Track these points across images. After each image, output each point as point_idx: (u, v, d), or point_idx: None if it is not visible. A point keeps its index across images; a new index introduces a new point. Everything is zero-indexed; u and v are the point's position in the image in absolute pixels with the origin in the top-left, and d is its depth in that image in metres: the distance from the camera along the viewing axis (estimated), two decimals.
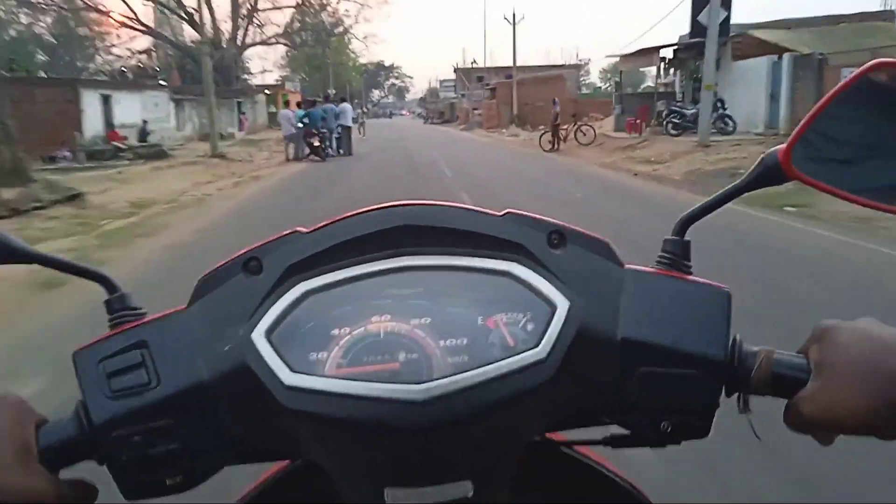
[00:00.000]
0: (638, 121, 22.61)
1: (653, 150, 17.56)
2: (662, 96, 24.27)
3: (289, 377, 0.52)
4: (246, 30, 55.95)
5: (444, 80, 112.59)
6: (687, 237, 0.63)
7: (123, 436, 0.54)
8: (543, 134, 22.82)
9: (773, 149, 0.60)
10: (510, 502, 0.60)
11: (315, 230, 0.59)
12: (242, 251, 0.59)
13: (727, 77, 19.65)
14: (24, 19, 44.11)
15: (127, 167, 17.71)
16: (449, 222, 0.58)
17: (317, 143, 19.18)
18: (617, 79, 32.34)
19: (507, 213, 0.60)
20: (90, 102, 22.89)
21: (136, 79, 40.37)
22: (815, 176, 0.59)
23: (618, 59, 29.73)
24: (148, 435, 0.54)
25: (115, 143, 21.86)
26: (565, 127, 22.57)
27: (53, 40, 51.97)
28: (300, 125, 19.25)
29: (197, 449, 0.56)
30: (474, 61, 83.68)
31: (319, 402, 0.51)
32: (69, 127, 21.15)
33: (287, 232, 0.59)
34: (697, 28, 17.03)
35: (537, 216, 0.60)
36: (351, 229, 0.58)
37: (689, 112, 19.54)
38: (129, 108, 25.26)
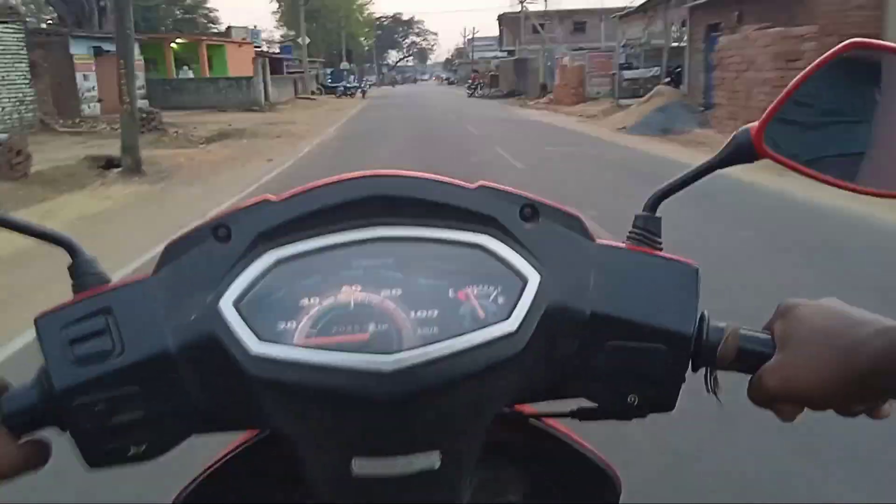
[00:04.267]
0: None
1: None
2: None
3: (256, 346, 0.51)
4: None
5: (479, 38, 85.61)
6: (658, 214, 0.64)
7: (86, 403, 0.53)
8: None
9: (745, 126, 0.60)
10: (478, 473, 0.61)
11: (285, 199, 0.57)
12: (210, 218, 0.58)
13: None
14: None
15: None
16: (421, 194, 0.57)
17: None
18: None
19: (480, 185, 0.59)
20: None
21: None
22: (787, 154, 0.59)
23: None
24: (111, 403, 0.53)
25: None
26: None
27: None
28: None
29: (162, 417, 0.55)
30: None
31: (287, 371, 0.51)
32: None
33: (256, 200, 0.58)
34: None
35: (510, 189, 0.60)
36: (322, 198, 0.57)
37: None
38: None
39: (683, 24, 19.95)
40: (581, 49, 31.72)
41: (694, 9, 17.88)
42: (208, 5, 54.67)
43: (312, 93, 41.99)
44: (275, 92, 32.04)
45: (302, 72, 46.80)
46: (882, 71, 0.57)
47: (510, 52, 56.02)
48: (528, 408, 0.70)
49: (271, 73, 37.87)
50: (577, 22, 58.32)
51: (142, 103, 30.01)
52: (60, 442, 0.55)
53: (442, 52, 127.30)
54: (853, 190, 0.59)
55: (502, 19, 61.85)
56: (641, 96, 20.04)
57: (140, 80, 29.44)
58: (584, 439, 0.71)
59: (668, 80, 19.12)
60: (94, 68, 24.99)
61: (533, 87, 34.52)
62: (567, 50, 31.55)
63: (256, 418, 0.58)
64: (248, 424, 0.64)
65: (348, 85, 46.75)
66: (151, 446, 0.55)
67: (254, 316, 0.52)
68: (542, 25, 54.34)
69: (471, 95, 42.96)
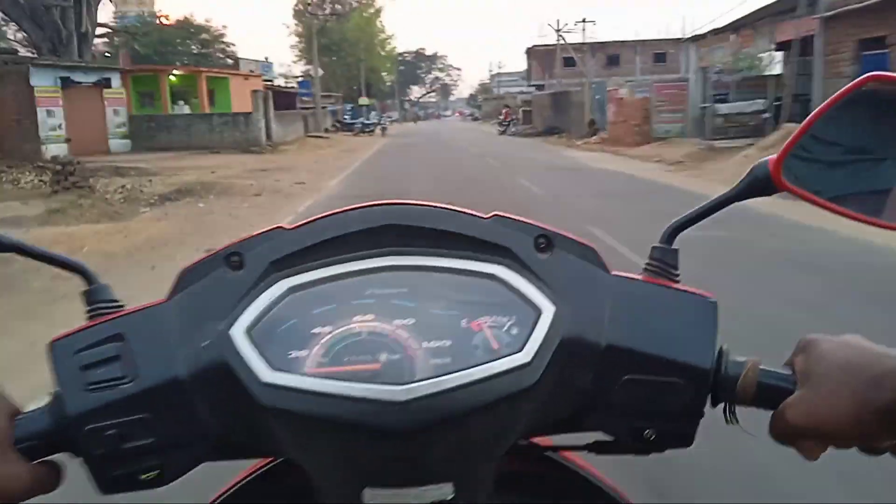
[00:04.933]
0: None
1: None
2: None
3: (267, 375, 0.51)
4: None
5: (503, 73, 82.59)
6: (675, 245, 0.63)
7: (98, 429, 0.53)
8: None
9: (763, 158, 0.60)
10: None
11: (298, 227, 0.58)
12: (224, 245, 0.58)
13: None
14: None
15: None
16: (435, 223, 0.57)
17: None
18: None
19: (495, 215, 0.59)
20: None
21: None
22: (806, 188, 0.58)
23: None
24: (123, 429, 0.53)
25: None
26: None
27: None
28: None
29: (173, 444, 0.55)
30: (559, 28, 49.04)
31: (298, 400, 0.51)
32: None
33: (270, 228, 0.58)
34: None
35: (525, 219, 0.59)
36: (335, 227, 0.57)
37: None
38: None
39: (784, 46, 15.34)
40: (630, 80, 27.25)
41: (832, 20, 13.15)
42: (226, 39, 51.42)
43: (326, 130, 37.87)
44: (280, 130, 27.70)
45: (324, 107, 42.92)
46: None
47: (539, 87, 52.07)
48: (544, 440, 0.69)
49: (283, 109, 33.87)
50: (611, 55, 54.38)
51: (123, 144, 26.16)
52: (75, 466, 0.55)
53: (465, 87, 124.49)
54: (877, 224, 0.58)
55: (531, 52, 58.10)
56: (735, 137, 15.38)
57: (121, 116, 25.56)
58: (601, 470, 0.69)
59: (766, 115, 14.29)
60: (60, 103, 20.98)
61: (576, 123, 30.02)
62: (622, 81, 27.12)
63: (268, 446, 0.58)
64: (259, 452, 0.64)
65: (367, 122, 42.58)
66: (163, 472, 0.55)
67: (266, 344, 0.52)
68: (569, 61, 50.34)
69: (502, 133, 38.41)
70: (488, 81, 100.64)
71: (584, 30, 48.48)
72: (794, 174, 0.58)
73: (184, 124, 25.17)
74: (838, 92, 0.56)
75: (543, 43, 57.43)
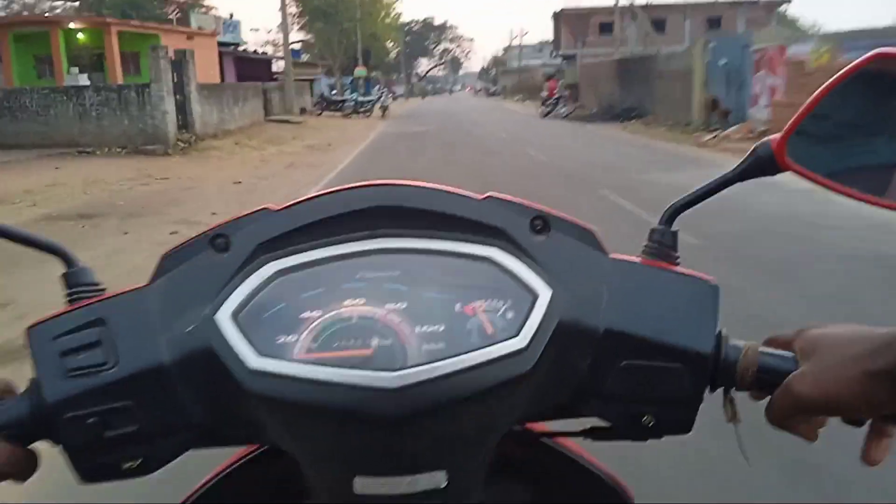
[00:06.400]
0: None
1: None
2: None
3: (254, 361, 0.50)
4: None
5: (517, 46, 72.76)
6: (675, 227, 0.62)
7: (78, 417, 0.52)
8: None
9: (767, 138, 0.59)
10: (486, 492, 0.60)
11: (286, 208, 0.57)
12: (210, 227, 0.57)
13: None
14: None
15: None
16: (427, 204, 0.56)
17: None
18: None
19: (489, 196, 0.58)
20: None
21: None
22: (810, 167, 0.58)
23: None
24: (104, 416, 0.52)
25: None
26: None
27: None
28: None
29: (156, 432, 0.54)
30: None
31: (285, 386, 0.50)
32: None
33: (257, 209, 0.57)
34: None
35: (520, 200, 0.58)
36: (324, 208, 0.56)
37: None
38: None
39: None
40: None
41: None
42: (207, 3, 41.24)
43: (303, 110, 27.50)
44: (212, 113, 17.19)
45: (309, 79, 32.75)
46: None
47: (569, 57, 42.11)
48: (540, 426, 0.68)
49: (249, 80, 23.78)
50: (655, 20, 44.25)
51: None
52: (55, 453, 0.53)
53: (476, 60, 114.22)
54: (881, 205, 0.57)
55: (560, 17, 47.77)
56: None
57: None
58: (598, 456, 0.68)
59: None
60: None
61: (667, 103, 19.91)
62: (783, 31, 16.87)
63: (255, 433, 0.57)
64: (246, 439, 0.62)
65: (362, 99, 31.98)
66: (147, 461, 0.54)
67: (252, 329, 0.51)
68: (603, 26, 40.47)
69: (547, 114, 28.05)
70: (502, 54, 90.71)
71: None
72: (799, 153, 0.57)
73: (39, 105, 14.95)
74: (843, 70, 0.55)
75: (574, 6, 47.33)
